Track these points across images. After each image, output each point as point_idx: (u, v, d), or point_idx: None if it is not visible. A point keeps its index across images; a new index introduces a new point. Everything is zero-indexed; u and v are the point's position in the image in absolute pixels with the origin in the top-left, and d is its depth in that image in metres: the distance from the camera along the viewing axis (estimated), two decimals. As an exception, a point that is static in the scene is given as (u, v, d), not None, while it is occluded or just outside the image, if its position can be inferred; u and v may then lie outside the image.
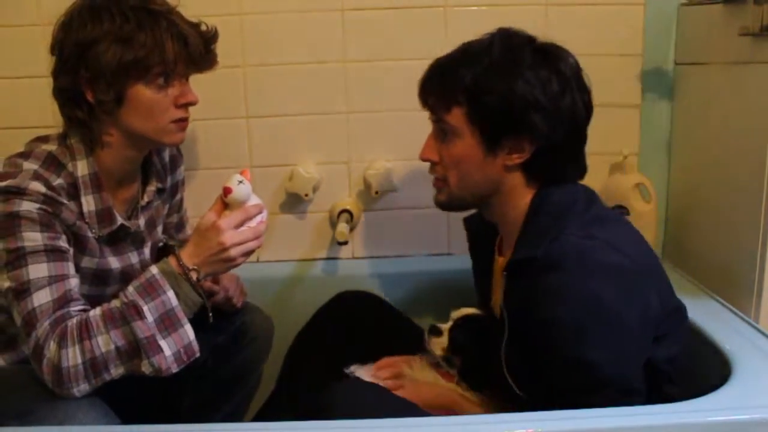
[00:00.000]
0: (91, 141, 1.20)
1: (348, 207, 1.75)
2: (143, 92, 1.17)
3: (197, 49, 1.20)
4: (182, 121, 1.23)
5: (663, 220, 1.76)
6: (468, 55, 1.15)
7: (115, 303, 1.10)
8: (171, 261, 1.13)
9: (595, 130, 1.74)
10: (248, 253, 1.16)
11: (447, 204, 1.22)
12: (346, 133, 1.74)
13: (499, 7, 1.67)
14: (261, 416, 1.51)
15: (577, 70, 1.17)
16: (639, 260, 1.10)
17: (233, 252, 1.13)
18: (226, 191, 1.14)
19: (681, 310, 1.19)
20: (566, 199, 1.15)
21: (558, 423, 1.01)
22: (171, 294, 1.10)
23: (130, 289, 1.10)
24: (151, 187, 1.34)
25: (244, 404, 1.52)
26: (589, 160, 1.76)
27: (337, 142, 1.74)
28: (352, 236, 1.78)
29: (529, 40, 1.16)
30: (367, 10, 1.67)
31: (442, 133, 1.18)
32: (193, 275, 1.12)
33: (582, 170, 1.22)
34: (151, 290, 1.09)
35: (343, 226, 1.66)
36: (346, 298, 1.54)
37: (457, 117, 1.14)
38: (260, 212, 1.17)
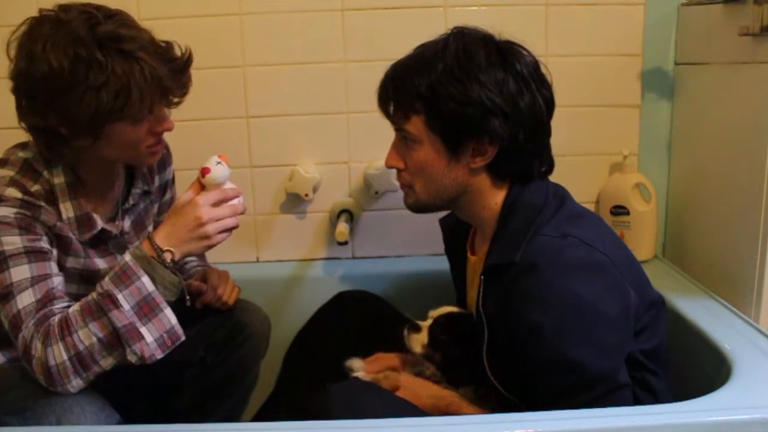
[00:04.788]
0: (67, 161, 1.18)
1: (348, 207, 1.75)
2: (119, 129, 1.13)
3: (172, 87, 1.15)
4: (155, 146, 1.21)
5: (663, 220, 1.76)
6: (422, 60, 1.13)
7: (92, 295, 1.09)
8: (144, 245, 1.11)
9: (595, 130, 1.76)
10: (225, 231, 1.14)
11: (415, 207, 1.22)
12: (346, 133, 1.74)
13: (499, 7, 1.68)
14: (260, 416, 1.51)
15: (534, 66, 1.15)
16: (614, 255, 1.10)
17: (210, 228, 1.12)
18: (204, 171, 1.13)
19: (658, 303, 1.18)
20: (537, 200, 1.14)
21: (558, 423, 1.01)
22: (146, 279, 1.08)
23: (106, 279, 1.09)
24: (137, 190, 1.32)
25: (243, 402, 1.52)
26: (589, 160, 1.79)
27: (337, 142, 1.74)
28: (352, 236, 1.78)
29: (484, 40, 1.14)
30: (367, 10, 1.67)
31: (404, 140, 1.17)
32: (167, 256, 1.10)
33: (549, 165, 1.20)
34: (125, 278, 1.08)
35: (343, 226, 1.66)
36: (346, 298, 1.54)
37: (416, 125, 1.14)
38: (237, 196, 1.16)
